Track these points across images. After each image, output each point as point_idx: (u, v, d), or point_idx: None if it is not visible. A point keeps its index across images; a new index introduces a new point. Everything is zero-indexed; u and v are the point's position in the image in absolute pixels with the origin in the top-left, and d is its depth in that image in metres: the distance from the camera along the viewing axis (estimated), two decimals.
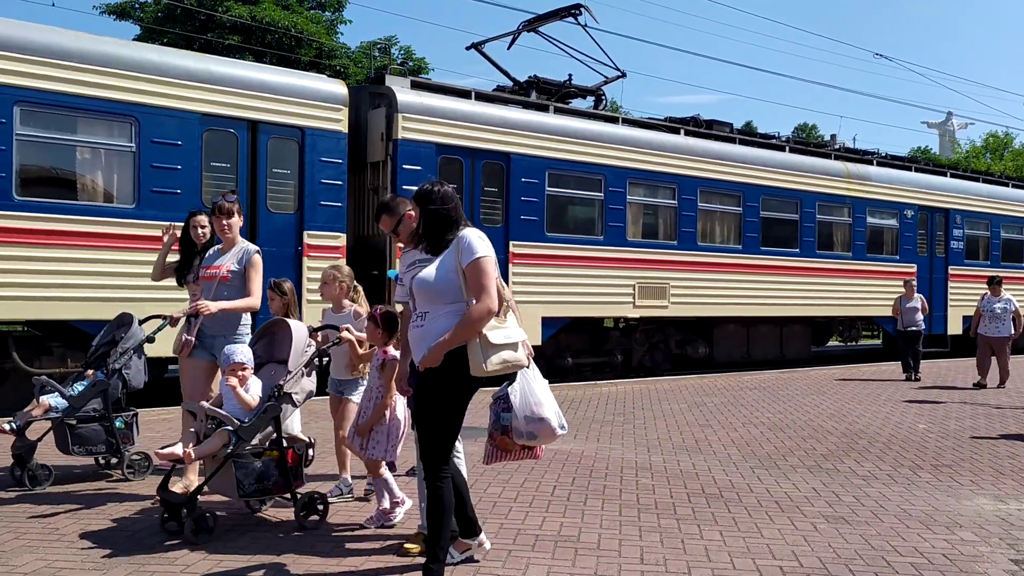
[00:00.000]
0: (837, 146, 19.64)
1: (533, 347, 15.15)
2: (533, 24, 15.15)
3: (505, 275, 12.63)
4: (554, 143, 13.29)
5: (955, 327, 19.42)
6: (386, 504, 5.27)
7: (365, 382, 5.56)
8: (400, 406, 5.16)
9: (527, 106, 13.65)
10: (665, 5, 62.12)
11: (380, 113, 11.88)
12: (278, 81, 10.89)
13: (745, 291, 15.60)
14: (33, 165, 9.28)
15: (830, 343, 19.84)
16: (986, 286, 14.05)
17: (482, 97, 13.14)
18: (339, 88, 11.45)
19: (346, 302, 6.01)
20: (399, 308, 5.00)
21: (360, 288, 6.20)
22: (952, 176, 20.82)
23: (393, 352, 5.13)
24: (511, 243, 12.72)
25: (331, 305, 6.10)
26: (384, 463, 5.27)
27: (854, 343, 19.68)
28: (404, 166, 11.69)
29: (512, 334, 4.14)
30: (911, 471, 6.95)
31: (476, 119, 12.51)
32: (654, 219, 14.81)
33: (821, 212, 17.05)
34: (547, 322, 13.14)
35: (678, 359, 15.47)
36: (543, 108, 13.77)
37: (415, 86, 12.39)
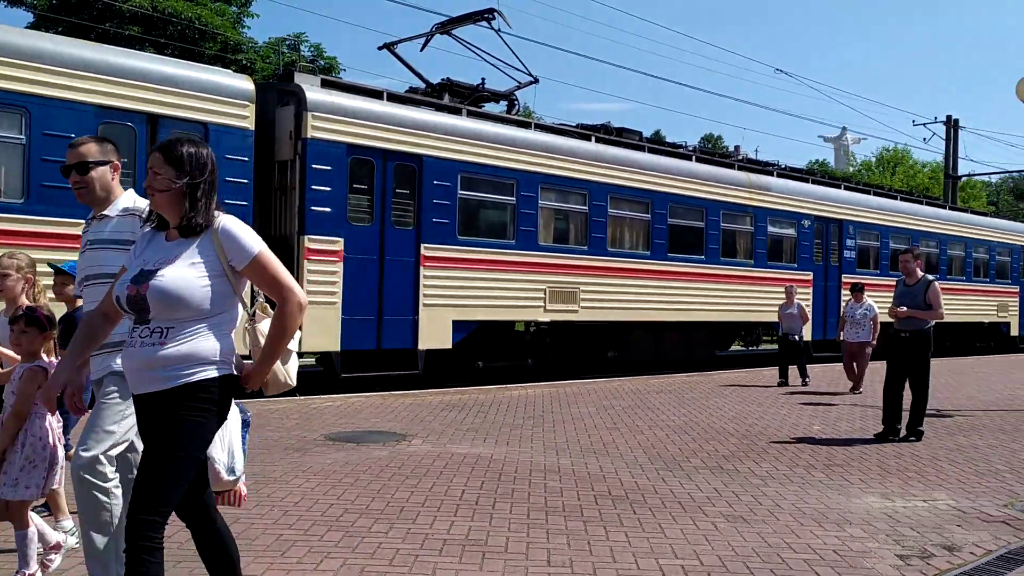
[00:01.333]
0: (740, 157, 20.28)
1: (444, 350, 15.04)
2: (446, 27, 15.13)
3: (416, 278, 12.55)
4: (467, 146, 13.28)
5: None
6: (34, 569, 4.07)
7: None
8: (53, 433, 4.16)
9: (440, 108, 13.60)
10: (577, 13, 62.98)
11: (289, 111, 11.64)
12: (180, 74, 10.55)
13: (653, 296, 15.92)
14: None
15: (732, 347, 20.45)
16: (849, 292, 14.42)
17: (394, 98, 13.03)
18: (245, 84, 11.17)
19: (24, 299, 4.72)
20: (79, 303, 4.33)
21: (41, 283, 4.99)
22: (846, 189, 21.75)
23: (46, 360, 4.22)
24: (422, 246, 12.64)
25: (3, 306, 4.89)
26: (30, 508, 4.14)
27: (755, 347, 20.34)
28: (314, 166, 11.48)
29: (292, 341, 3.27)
30: (805, 471, 7.21)
31: (388, 120, 12.39)
32: (565, 224, 14.97)
33: (725, 220, 17.55)
34: (458, 325, 13.10)
35: (588, 363, 15.66)
36: (456, 111, 13.75)
37: (325, 84, 12.18)
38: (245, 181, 10.93)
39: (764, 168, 19.59)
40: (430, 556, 4.72)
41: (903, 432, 8.95)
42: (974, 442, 8.85)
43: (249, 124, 10.98)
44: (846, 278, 20.15)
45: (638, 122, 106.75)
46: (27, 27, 23.92)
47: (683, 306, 16.45)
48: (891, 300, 9.44)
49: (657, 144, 18.04)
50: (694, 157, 17.70)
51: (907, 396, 9.18)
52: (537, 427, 9.23)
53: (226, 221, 3.14)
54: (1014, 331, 26.85)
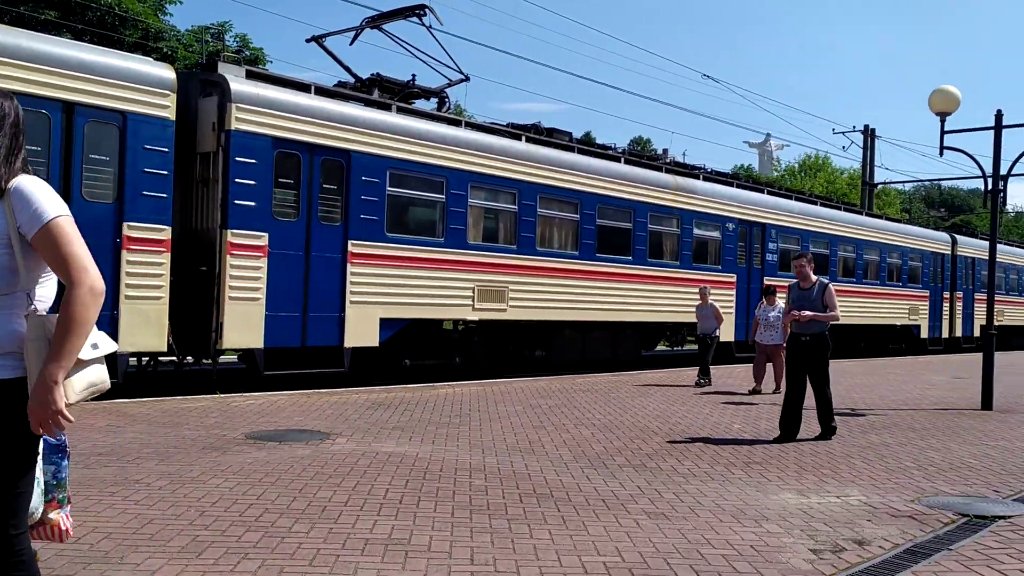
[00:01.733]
0: (668, 160, 20.63)
1: (370, 348, 14.88)
2: (377, 21, 14.97)
3: (343, 275, 12.39)
4: (397, 143, 13.17)
5: None
6: None
7: None
8: None
9: (369, 104, 13.45)
10: (510, 13, 63.21)
11: (212, 102, 11.35)
12: (98, 61, 10.19)
13: (581, 296, 16.05)
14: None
15: (658, 347, 20.77)
16: (762, 296, 14.58)
17: (323, 92, 12.83)
18: (166, 72, 10.85)
19: None
20: None
21: None
22: (769, 193, 22.31)
23: None
24: (350, 242, 12.48)
25: None
26: None
27: (680, 347, 20.69)
28: (237, 158, 11.23)
29: (102, 342, 2.70)
30: (725, 468, 7.35)
31: (316, 114, 12.19)
32: (495, 223, 14.97)
33: (652, 222, 17.81)
34: (385, 323, 12.98)
35: (516, 361, 15.71)
36: (386, 107, 13.61)
37: (251, 76, 11.92)
38: (164, 172, 10.62)
39: (691, 171, 19.94)
40: (352, 556, 4.65)
41: (800, 435, 9.07)
42: (885, 440, 9.17)
43: (170, 114, 10.67)
44: (768, 280, 20.68)
45: (569, 123, 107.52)
46: None
47: (610, 306, 16.64)
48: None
49: (587, 145, 18.21)
50: (623, 159, 17.91)
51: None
52: (464, 426, 9.21)
53: (23, 181, 2.59)
54: (924, 333, 27.95)
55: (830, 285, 9.46)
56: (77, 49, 10.41)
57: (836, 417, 9.45)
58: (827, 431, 9.16)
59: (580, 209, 16.20)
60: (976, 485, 6.95)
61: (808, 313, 9.11)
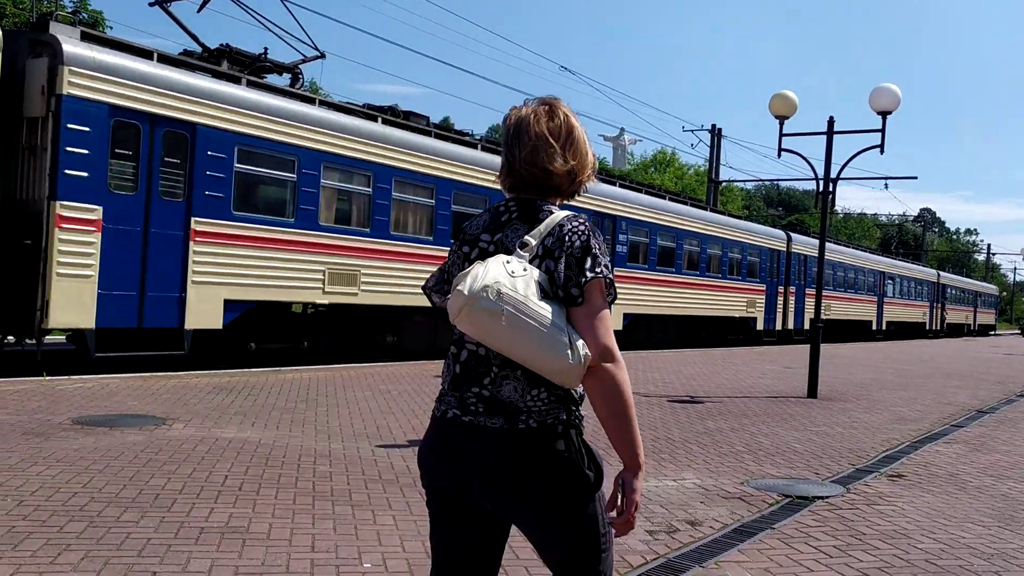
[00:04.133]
0: None
1: (214, 331, 14.52)
2: None
3: (185, 253, 11.83)
4: (246, 118, 12.66)
5: (617, 323, 21.50)
6: None
7: None
8: None
9: (218, 76, 12.86)
10: None
11: (41, 63, 10.52)
12: None
13: None
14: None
15: None
16: None
17: (166, 60, 12.15)
18: None
19: None
20: None
21: None
22: (621, 186, 22.99)
23: None
24: (193, 219, 11.91)
25: None
26: None
27: None
28: (69, 126, 10.47)
29: None
30: None
31: (158, 83, 11.54)
32: (348, 205, 14.69)
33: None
34: (230, 305, 12.50)
35: (367, 347, 15.50)
36: (235, 80, 13.06)
37: (86, 38, 11.13)
38: None
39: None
40: (185, 545, 4.45)
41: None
42: (720, 426, 9.66)
43: None
44: (618, 271, 21.32)
45: (428, 107, 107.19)
46: None
47: None
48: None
49: (444, 130, 18.14)
50: (480, 146, 17.97)
51: None
52: (310, 411, 9.00)
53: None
54: (760, 325, 29.68)
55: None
56: None
57: (678, 404, 9.81)
58: None
59: (436, 194, 16.14)
60: (799, 468, 7.44)
61: None
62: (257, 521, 4.95)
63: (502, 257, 2.14)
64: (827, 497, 6.32)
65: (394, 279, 15.18)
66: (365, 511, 5.28)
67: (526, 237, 2.20)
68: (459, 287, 2.08)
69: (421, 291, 2.39)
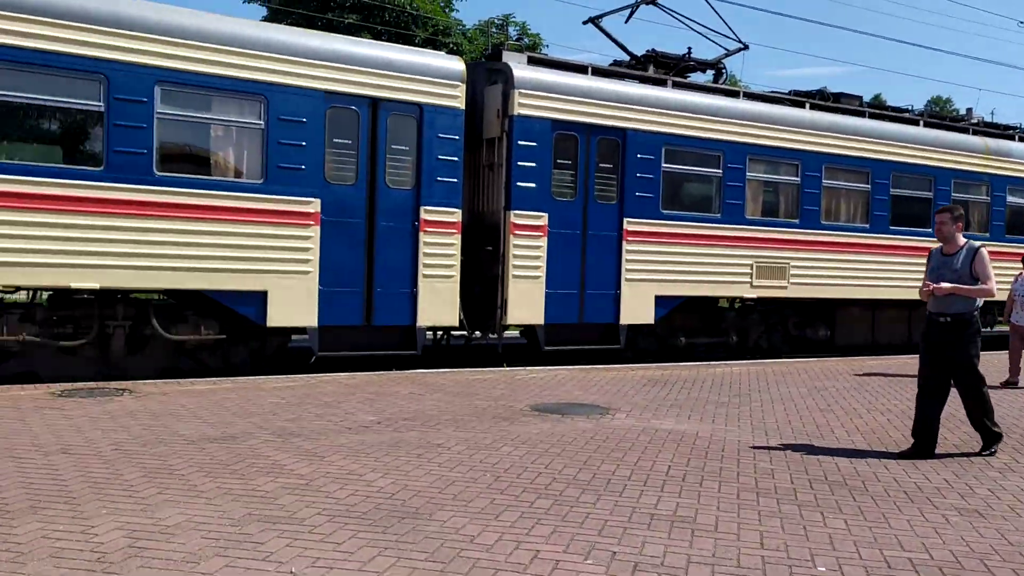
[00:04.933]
0: (975, 120, 18.50)
1: (644, 325, 15.23)
2: None
3: (619, 252, 12.55)
4: (671, 119, 13.03)
5: None
6: None
7: None
8: None
9: (644, 80, 13.42)
10: None
11: (496, 89, 11.92)
12: (399, 59, 11.06)
13: (872, 272, 14.97)
14: (172, 142, 9.73)
15: None
16: (1021, 264, 11.86)
17: (599, 72, 13.00)
18: (457, 65, 11.54)
19: None
20: None
21: None
22: None
23: None
24: (625, 220, 12.59)
25: None
26: None
27: (989, 328, 18.61)
28: (519, 142, 11.71)
29: None
30: None
31: (592, 94, 12.39)
32: (774, 197, 14.35)
33: (957, 190, 16.14)
34: (660, 301, 12.97)
35: (796, 341, 15.01)
36: (661, 82, 13.51)
37: (532, 61, 12.36)
38: (456, 159, 11.33)
39: (1004, 132, 17.78)
40: (638, 530, 4.73)
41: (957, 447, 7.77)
42: None
43: (460, 104, 11.35)
44: None
45: (857, 86, 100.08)
46: (262, 20, 26.01)
47: (906, 283, 15.32)
48: None
49: (878, 109, 16.84)
50: (921, 122, 16.37)
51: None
52: (744, 406, 8.98)
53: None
54: None
55: (982, 250, 7.16)
56: (380, 48, 11.38)
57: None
58: (990, 439, 7.10)
59: (871, 178, 15.05)
60: None
61: (947, 285, 6.95)
62: (703, 512, 5.08)
63: None
64: None
65: (826, 271, 14.48)
66: (813, 512, 5.13)
67: None
68: None
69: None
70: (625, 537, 4.59)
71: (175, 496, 5.06)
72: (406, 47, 12.31)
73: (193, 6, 10.10)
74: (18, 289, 9.83)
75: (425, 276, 11.10)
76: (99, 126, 9.30)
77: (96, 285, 9.21)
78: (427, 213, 11.09)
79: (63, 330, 9.48)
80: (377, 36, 25.34)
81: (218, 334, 10.12)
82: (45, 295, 10.03)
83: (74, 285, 9.12)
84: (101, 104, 9.22)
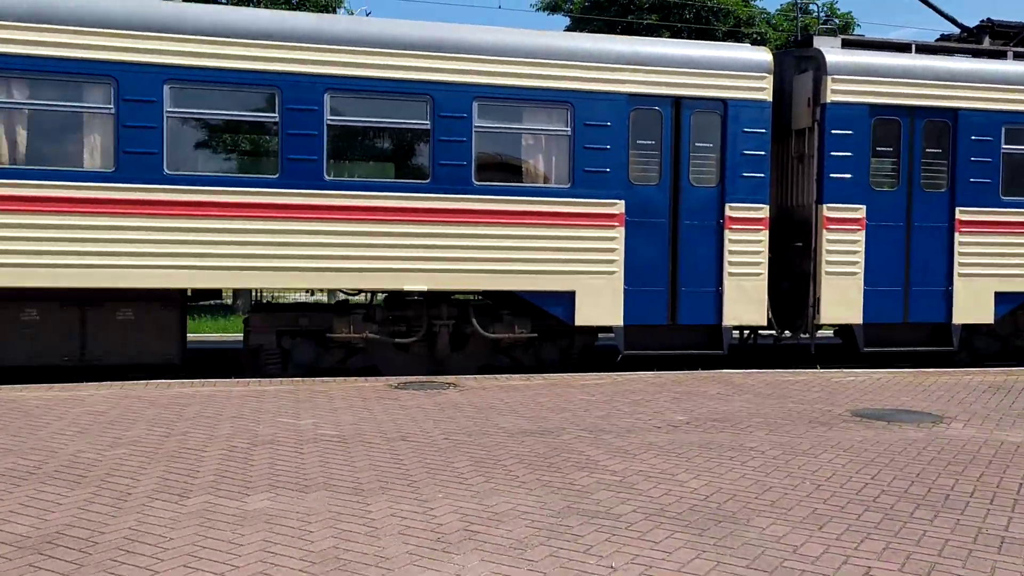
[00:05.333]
0: None
1: (981, 325, 14.00)
2: None
3: (950, 245, 11.40)
4: (1013, 94, 11.56)
5: None
6: None
7: None
8: None
9: (978, 54, 12.04)
10: None
11: (807, 77, 11.33)
12: (701, 55, 10.92)
13: None
14: (486, 153, 10.40)
15: None
16: None
17: (924, 49, 11.89)
18: (764, 56, 11.14)
19: None
20: None
21: None
22: None
23: None
24: (957, 209, 11.39)
25: None
26: None
27: None
28: (832, 131, 11.04)
29: None
30: None
31: (916, 74, 11.34)
32: None
33: None
34: (1001, 297, 11.58)
35: None
36: (999, 55, 12.04)
37: (846, 44, 11.60)
38: (762, 153, 10.94)
39: None
40: (986, 553, 4.26)
41: None
42: None
43: (766, 96, 10.94)
44: None
45: None
46: (564, 30, 26.99)
47: None
48: None
49: None
50: None
51: None
52: None
53: None
54: None
55: None
56: (682, 47, 11.30)
57: None
58: None
59: None
60: None
61: None
62: None
63: None
64: None
65: None
66: None
67: None
68: None
69: None
70: (971, 560, 4.16)
71: (500, 485, 5.41)
72: (708, 43, 12.12)
73: (486, 22, 10.71)
74: (360, 292, 11.09)
75: (731, 274, 10.85)
76: (425, 143, 10.15)
77: (425, 287, 10.12)
78: (732, 210, 10.83)
79: (398, 328, 10.52)
80: (677, 34, 25.22)
81: (530, 333, 10.64)
82: (381, 297, 11.17)
83: (407, 288, 10.09)
84: (427, 122, 10.06)
